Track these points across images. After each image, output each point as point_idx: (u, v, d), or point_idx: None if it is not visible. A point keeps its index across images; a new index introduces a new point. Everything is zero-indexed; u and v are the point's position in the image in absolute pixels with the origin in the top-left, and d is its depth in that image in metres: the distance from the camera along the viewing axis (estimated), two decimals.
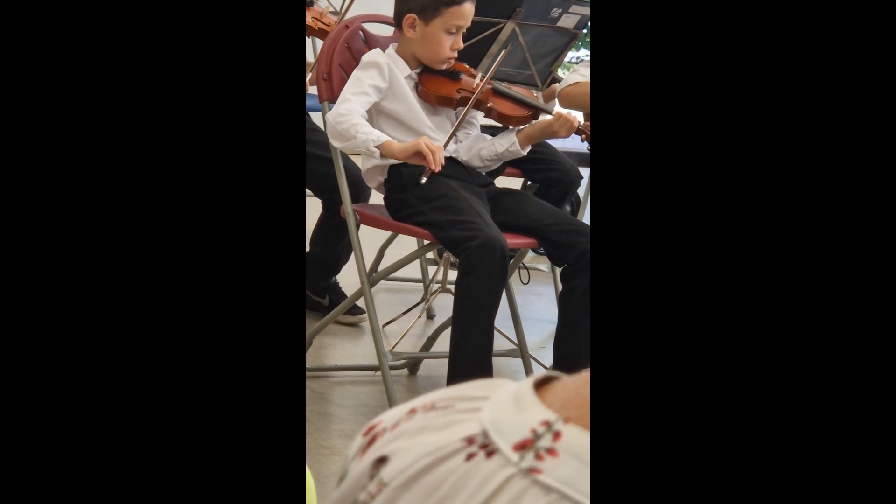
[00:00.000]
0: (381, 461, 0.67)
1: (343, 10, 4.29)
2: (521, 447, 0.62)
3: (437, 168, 3.17)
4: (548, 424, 0.63)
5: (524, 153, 3.43)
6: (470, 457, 0.63)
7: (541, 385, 0.66)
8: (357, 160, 3.60)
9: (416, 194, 3.26)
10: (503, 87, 3.49)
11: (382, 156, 3.21)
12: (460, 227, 3.12)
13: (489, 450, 0.63)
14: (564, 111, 3.38)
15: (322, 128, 3.66)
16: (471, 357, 3.14)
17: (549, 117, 3.41)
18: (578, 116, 3.50)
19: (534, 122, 3.43)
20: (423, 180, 3.20)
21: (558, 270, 3.61)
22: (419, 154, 3.16)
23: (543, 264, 4.47)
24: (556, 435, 0.62)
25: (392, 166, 3.34)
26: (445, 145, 3.31)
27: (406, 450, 0.66)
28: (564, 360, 3.35)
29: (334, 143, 3.26)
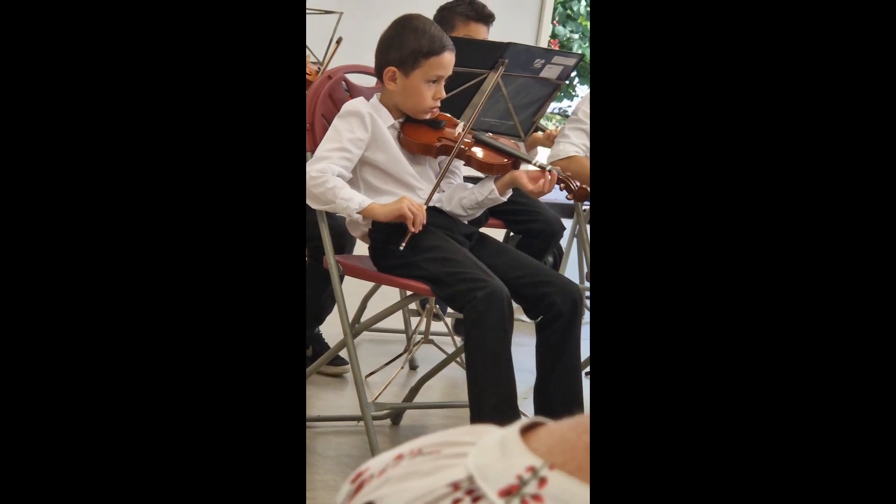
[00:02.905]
0: None
1: (326, 61, 4.31)
2: (507, 493, 0.62)
3: (418, 230, 3.20)
4: (533, 470, 0.62)
5: (504, 199, 3.43)
6: (456, 502, 0.63)
7: (527, 431, 0.66)
8: None
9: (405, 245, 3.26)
10: (484, 136, 3.49)
11: (364, 219, 3.23)
12: (462, 280, 3.11)
13: (475, 495, 0.63)
14: (545, 176, 3.37)
15: None
16: (496, 407, 3.11)
17: (529, 167, 3.41)
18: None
19: (510, 173, 3.42)
20: (403, 246, 3.23)
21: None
22: (402, 216, 3.18)
23: (526, 316, 4.47)
24: (542, 481, 0.62)
25: None
26: (430, 197, 3.31)
27: (392, 496, 0.66)
28: (542, 411, 3.34)
29: (310, 203, 3.25)
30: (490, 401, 3.13)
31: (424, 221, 3.22)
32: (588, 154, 3.85)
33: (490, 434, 0.67)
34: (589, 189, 3.46)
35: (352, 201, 3.17)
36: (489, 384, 3.13)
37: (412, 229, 3.19)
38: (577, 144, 3.84)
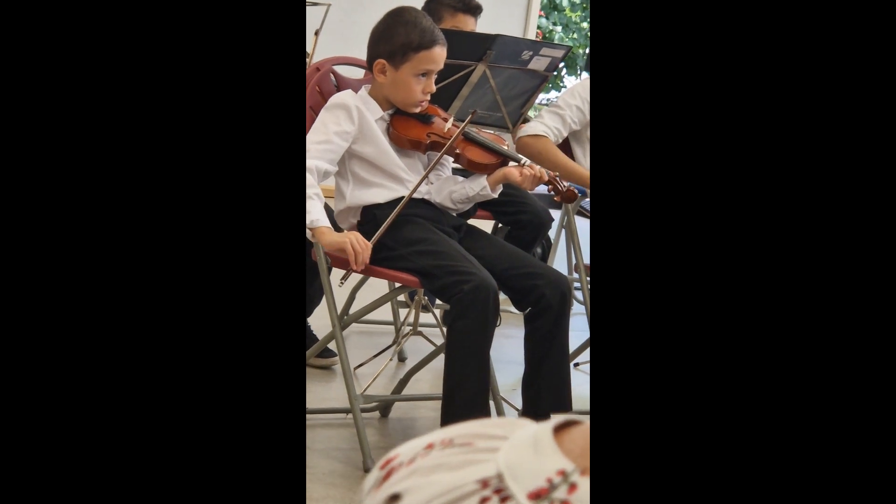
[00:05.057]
0: (395, 498, 0.66)
1: (312, 52, 4.30)
2: (536, 496, 0.61)
3: (359, 269, 3.16)
4: (564, 474, 0.62)
5: (495, 195, 3.43)
6: (483, 501, 0.63)
7: (560, 429, 0.66)
8: (330, 201, 3.60)
9: (394, 237, 3.25)
10: (473, 132, 3.49)
11: (394, 172, 3.25)
12: (450, 273, 3.11)
13: (503, 495, 0.62)
14: (534, 169, 3.37)
15: None
16: (468, 400, 3.13)
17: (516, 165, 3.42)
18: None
19: (502, 169, 3.42)
20: (341, 284, 3.20)
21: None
22: (343, 252, 3.13)
23: (515, 307, 4.48)
24: (572, 487, 0.61)
25: (365, 207, 3.34)
26: (414, 190, 3.30)
27: (420, 488, 0.65)
28: (530, 402, 3.35)
29: None
30: (464, 393, 3.14)
31: (367, 261, 3.16)
32: (557, 138, 3.88)
33: (524, 430, 0.66)
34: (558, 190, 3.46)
35: (309, 214, 3.13)
36: (466, 377, 3.14)
37: (354, 267, 3.15)
38: (548, 126, 3.86)
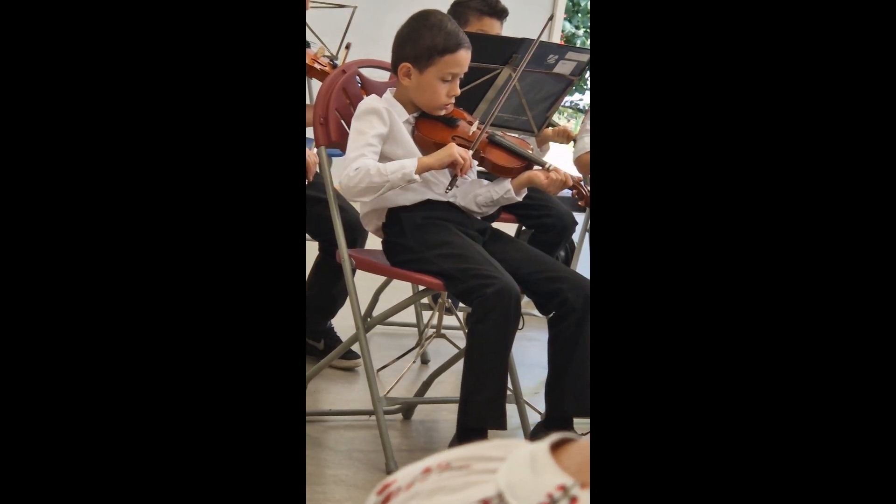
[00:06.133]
0: None
1: (339, 55, 4.31)
2: None
3: (465, 175, 3.29)
4: (564, 489, 0.62)
5: (519, 199, 3.44)
6: None
7: (557, 447, 0.66)
8: (355, 203, 3.61)
9: (417, 239, 3.27)
10: (498, 135, 3.49)
11: (422, 175, 3.28)
12: (473, 276, 3.13)
13: None
14: (559, 173, 3.38)
15: (317, 170, 3.66)
16: (485, 403, 3.15)
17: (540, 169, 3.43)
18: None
19: (527, 172, 3.43)
20: (448, 190, 3.30)
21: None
22: (454, 162, 3.24)
23: (538, 311, 4.48)
24: (573, 500, 0.62)
25: (391, 210, 3.35)
26: (449, 188, 3.33)
27: None
28: (553, 406, 3.36)
29: (364, 198, 3.31)
30: (482, 396, 3.16)
31: (472, 167, 3.30)
32: None
33: (520, 449, 0.67)
34: None
35: (404, 168, 3.20)
36: (484, 380, 3.16)
37: (461, 175, 3.26)
38: None
